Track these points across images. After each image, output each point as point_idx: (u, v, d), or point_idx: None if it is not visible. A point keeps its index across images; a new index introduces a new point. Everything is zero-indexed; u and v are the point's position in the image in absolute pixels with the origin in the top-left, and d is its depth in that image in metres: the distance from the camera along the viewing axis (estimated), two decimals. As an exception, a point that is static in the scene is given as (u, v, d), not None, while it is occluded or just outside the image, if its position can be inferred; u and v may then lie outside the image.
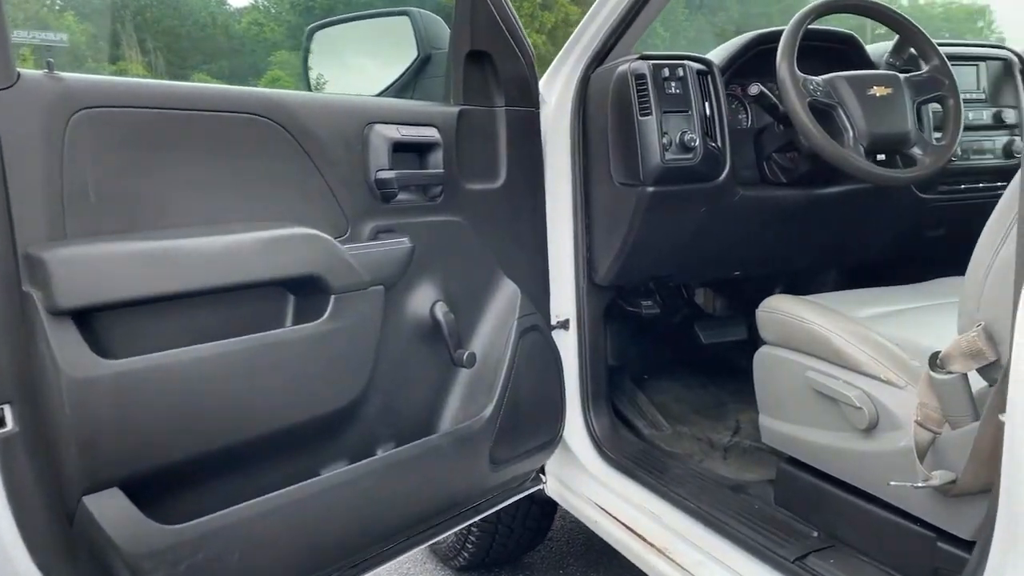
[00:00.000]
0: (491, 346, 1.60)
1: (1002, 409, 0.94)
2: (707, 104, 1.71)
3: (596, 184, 1.81)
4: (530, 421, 1.69)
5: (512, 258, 1.67)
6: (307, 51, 1.75)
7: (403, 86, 1.72)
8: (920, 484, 1.19)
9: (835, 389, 1.43)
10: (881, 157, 1.72)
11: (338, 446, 1.39)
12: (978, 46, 2.07)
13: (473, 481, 1.60)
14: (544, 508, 2.18)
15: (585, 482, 1.88)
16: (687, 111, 1.68)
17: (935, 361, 1.20)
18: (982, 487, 1.13)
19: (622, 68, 1.69)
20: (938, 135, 1.79)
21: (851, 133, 1.65)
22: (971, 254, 2.22)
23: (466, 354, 1.49)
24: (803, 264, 2.17)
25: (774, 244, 1.96)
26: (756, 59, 1.86)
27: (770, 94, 1.72)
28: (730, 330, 2.28)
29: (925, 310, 1.59)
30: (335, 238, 1.33)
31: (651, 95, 1.64)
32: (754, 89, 1.71)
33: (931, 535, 1.28)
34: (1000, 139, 2.02)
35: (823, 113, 1.65)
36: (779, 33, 1.81)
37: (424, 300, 1.49)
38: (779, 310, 1.58)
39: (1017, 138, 2.03)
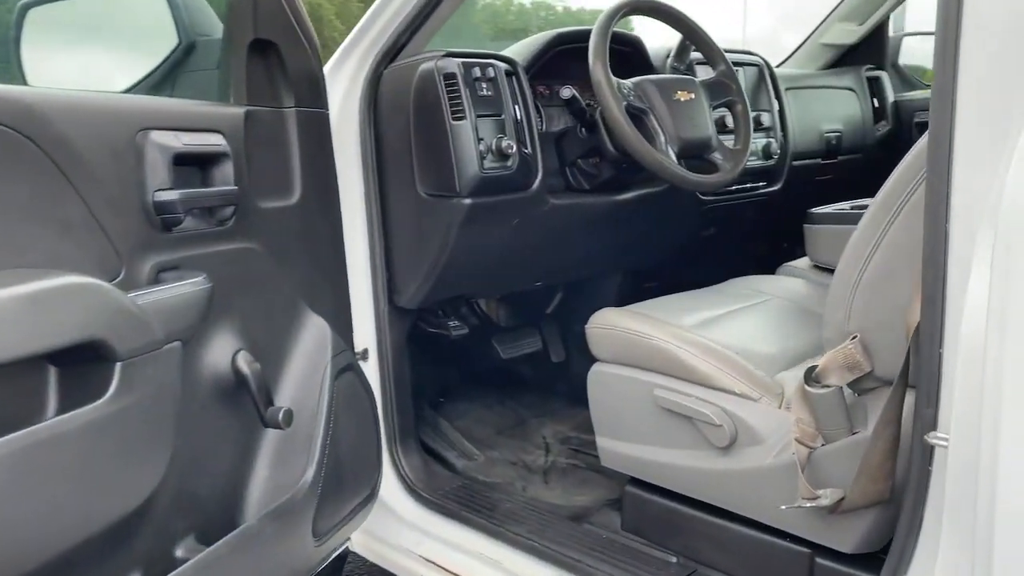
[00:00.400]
0: (304, 396, 1.33)
1: (935, 427, 0.91)
2: (516, 107, 1.59)
3: (396, 196, 1.61)
4: (350, 477, 1.44)
5: (315, 287, 1.41)
6: (19, 36, 1.31)
7: (159, 81, 1.37)
8: (809, 504, 1.16)
9: (689, 407, 1.37)
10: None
11: (128, 556, 1.05)
12: (734, 53, 2.16)
13: (297, 565, 1.32)
14: (336, 563, 1.92)
15: (400, 532, 1.67)
16: (500, 115, 1.55)
17: (811, 375, 1.18)
18: (871, 501, 1.13)
19: (426, 66, 1.50)
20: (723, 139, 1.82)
21: (663, 138, 1.61)
22: (738, 252, 2.31)
23: (281, 412, 1.21)
24: (598, 270, 2.13)
25: (576, 252, 1.88)
26: (555, 60, 1.77)
27: (580, 98, 1.63)
28: (526, 342, 2.18)
29: (740, 314, 1.60)
30: (108, 283, 0.99)
31: (463, 97, 1.49)
32: (566, 92, 1.61)
33: (807, 551, 1.27)
34: (760, 141, 2.13)
35: (635, 118, 1.59)
36: (579, 33, 1.74)
37: (224, 351, 1.19)
38: (615, 326, 1.50)
39: (773, 140, 2.16)
